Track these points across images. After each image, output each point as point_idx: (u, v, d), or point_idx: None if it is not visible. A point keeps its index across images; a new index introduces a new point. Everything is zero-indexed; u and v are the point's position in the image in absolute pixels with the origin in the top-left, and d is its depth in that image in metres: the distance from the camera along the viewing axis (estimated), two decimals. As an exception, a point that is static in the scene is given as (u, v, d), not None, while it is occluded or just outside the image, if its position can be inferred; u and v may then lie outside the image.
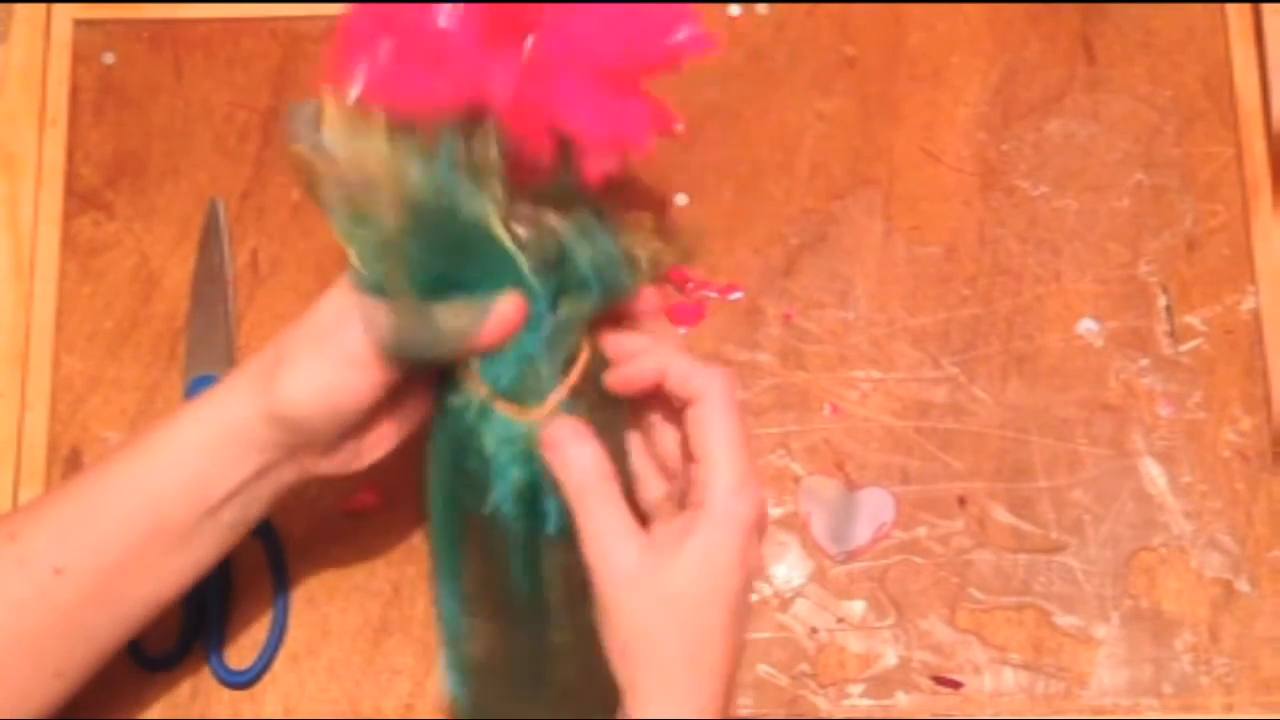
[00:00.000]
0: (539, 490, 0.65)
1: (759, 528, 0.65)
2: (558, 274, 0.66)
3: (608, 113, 0.66)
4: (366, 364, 0.65)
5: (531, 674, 0.68)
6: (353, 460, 0.70)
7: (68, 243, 0.86)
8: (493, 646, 0.69)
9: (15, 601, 0.66)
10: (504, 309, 0.65)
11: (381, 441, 0.70)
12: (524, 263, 0.65)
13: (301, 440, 0.67)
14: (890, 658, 0.79)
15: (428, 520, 0.70)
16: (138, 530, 0.67)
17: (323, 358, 0.65)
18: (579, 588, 0.64)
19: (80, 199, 0.87)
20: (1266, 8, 0.86)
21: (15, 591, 0.66)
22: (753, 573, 0.65)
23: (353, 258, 0.65)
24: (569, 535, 0.64)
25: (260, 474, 0.68)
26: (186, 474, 0.67)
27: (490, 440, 0.66)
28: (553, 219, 0.65)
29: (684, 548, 0.63)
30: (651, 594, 0.63)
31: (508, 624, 0.68)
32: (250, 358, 0.68)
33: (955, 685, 0.79)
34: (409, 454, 0.81)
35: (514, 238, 0.65)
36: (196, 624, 0.79)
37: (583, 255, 0.65)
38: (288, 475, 0.69)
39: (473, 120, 0.65)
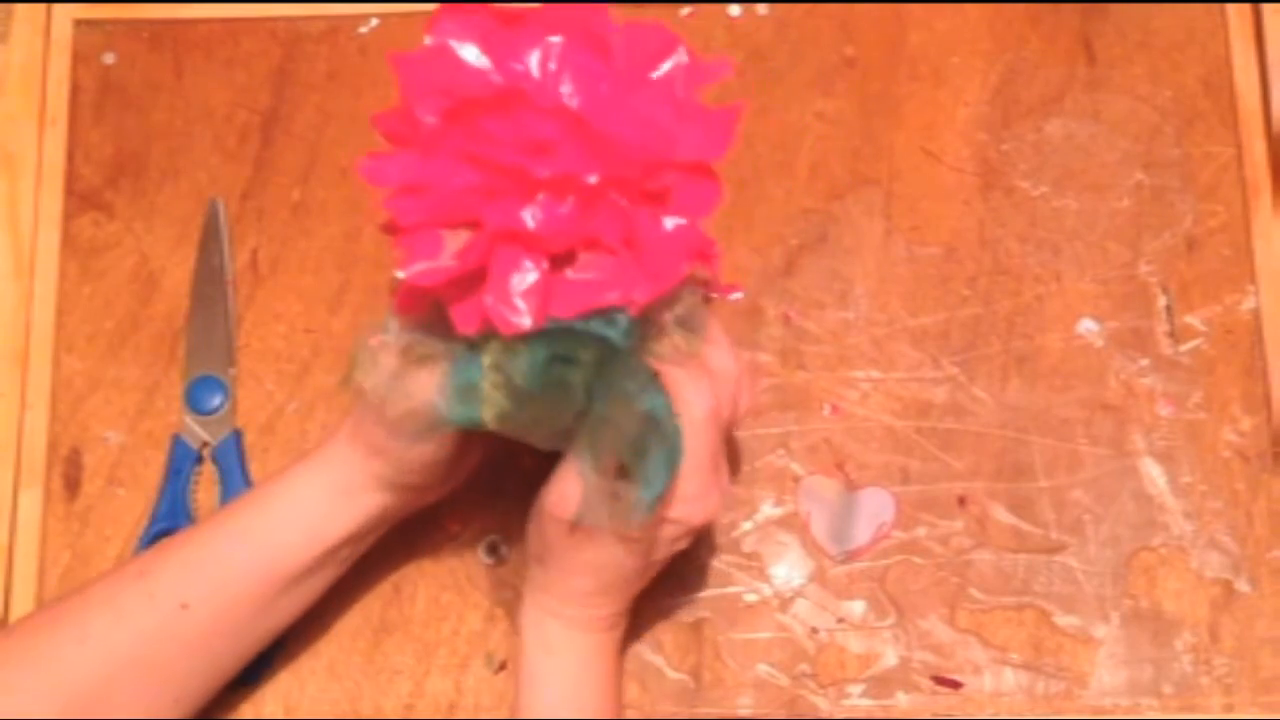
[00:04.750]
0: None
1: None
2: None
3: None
4: (471, 438, 0.69)
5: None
6: (454, 482, 0.75)
7: (68, 243, 0.86)
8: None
9: (143, 632, 0.70)
10: None
11: (474, 457, 0.74)
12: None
13: (414, 495, 0.73)
14: (890, 658, 0.79)
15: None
16: (258, 572, 0.72)
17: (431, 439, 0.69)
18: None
19: (80, 199, 0.87)
20: (1266, 8, 0.86)
21: (144, 623, 0.70)
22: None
23: (444, 405, 0.65)
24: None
25: (371, 519, 0.73)
26: (303, 525, 0.72)
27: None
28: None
29: None
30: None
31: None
32: (352, 422, 0.71)
33: (955, 685, 0.79)
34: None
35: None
36: (196, 624, 0.79)
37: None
38: (397, 511, 0.74)
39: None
